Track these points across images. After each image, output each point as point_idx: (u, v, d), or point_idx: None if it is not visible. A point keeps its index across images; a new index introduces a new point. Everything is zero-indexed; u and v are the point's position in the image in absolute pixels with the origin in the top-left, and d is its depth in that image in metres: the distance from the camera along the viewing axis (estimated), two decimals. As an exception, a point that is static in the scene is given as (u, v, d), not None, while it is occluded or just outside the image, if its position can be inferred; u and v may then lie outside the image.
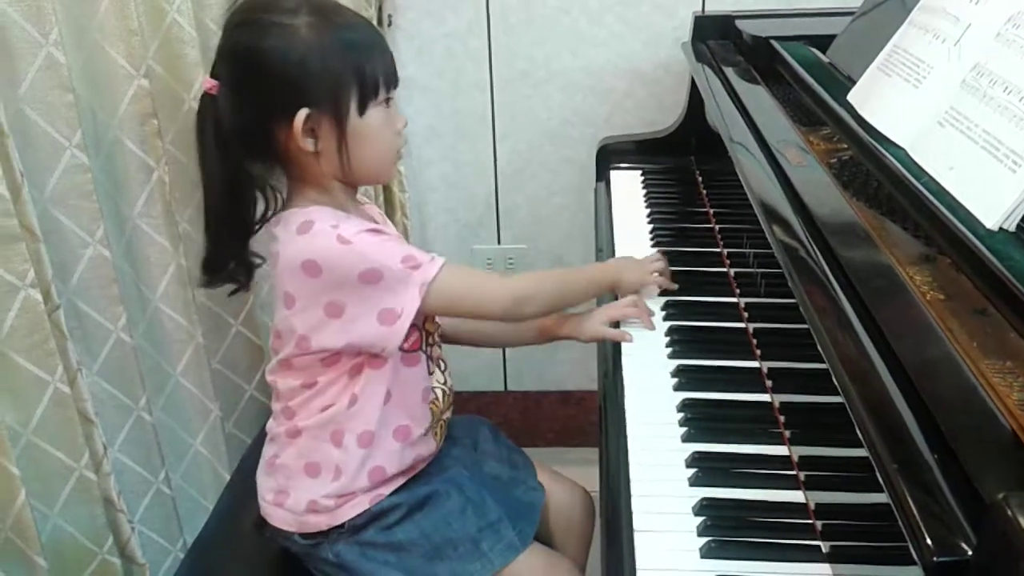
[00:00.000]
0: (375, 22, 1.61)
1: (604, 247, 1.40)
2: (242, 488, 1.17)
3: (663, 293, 1.22)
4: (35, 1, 1.08)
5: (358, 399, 1.03)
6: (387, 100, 1.01)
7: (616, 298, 1.20)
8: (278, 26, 0.95)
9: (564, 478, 1.29)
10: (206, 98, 1.00)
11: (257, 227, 1.06)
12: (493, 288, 1.08)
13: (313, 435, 1.05)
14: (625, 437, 0.96)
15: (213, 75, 0.99)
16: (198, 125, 1.01)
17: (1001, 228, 0.76)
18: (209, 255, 1.06)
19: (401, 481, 1.09)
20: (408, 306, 0.98)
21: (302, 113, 0.95)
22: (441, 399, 1.12)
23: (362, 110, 0.98)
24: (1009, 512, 0.46)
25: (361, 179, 1.06)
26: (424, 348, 1.09)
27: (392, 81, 1.01)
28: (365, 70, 0.97)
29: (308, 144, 0.97)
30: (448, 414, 1.15)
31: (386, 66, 1.00)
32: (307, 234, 0.98)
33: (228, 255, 1.05)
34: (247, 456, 1.29)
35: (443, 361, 1.15)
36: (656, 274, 1.20)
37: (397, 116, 1.04)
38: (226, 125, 0.98)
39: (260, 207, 1.05)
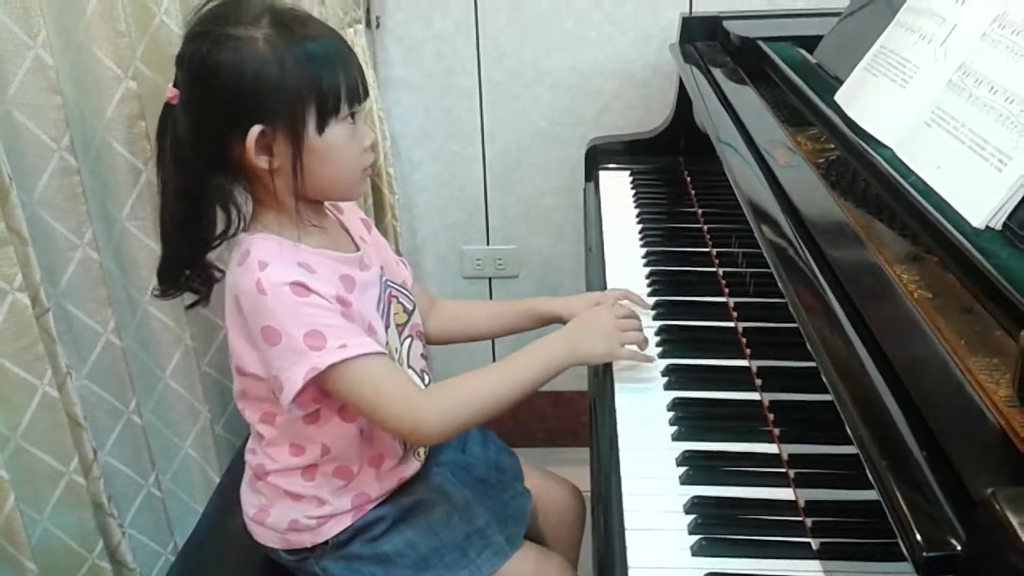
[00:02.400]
0: (363, 24, 1.61)
1: (593, 247, 1.40)
2: (232, 491, 1.16)
3: (653, 293, 1.22)
4: (23, 3, 1.07)
5: (331, 449, 1.02)
6: (352, 115, 0.96)
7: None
8: (234, 39, 0.91)
9: (555, 476, 1.29)
10: (167, 108, 0.97)
11: (217, 242, 1.03)
12: (395, 405, 0.95)
13: (284, 473, 1.04)
14: (616, 436, 0.96)
15: (175, 84, 0.96)
16: (158, 133, 0.99)
17: (987, 226, 0.77)
18: (164, 264, 1.03)
19: (385, 497, 1.09)
20: (290, 384, 0.92)
21: (255, 130, 0.91)
22: None
23: (321, 127, 0.94)
24: (997, 507, 0.47)
25: (323, 196, 1.02)
26: (405, 364, 1.08)
27: (355, 96, 0.96)
28: (325, 86, 0.92)
29: (262, 161, 0.93)
30: None
31: (350, 81, 0.94)
32: (241, 267, 0.95)
33: (184, 265, 1.03)
34: (237, 458, 1.29)
35: (427, 374, 1.14)
36: (628, 329, 1.07)
37: (365, 132, 0.99)
38: (182, 136, 0.95)
39: (224, 221, 1.02)
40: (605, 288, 1.24)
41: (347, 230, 1.09)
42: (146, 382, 1.40)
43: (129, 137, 1.26)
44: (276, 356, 0.93)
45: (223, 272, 1.05)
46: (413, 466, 1.11)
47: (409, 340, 1.11)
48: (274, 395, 0.97)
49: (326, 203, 1.06)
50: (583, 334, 1.06)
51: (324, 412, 1.00)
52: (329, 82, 0.93)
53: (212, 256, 1.06)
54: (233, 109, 0.92)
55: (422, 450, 1.13)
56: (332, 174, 0.98)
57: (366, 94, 0.99)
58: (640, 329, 1.08)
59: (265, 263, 0.93)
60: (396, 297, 1.09)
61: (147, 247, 1.32)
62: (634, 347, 1.06)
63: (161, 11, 1.25)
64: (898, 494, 0.55)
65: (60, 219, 1.19)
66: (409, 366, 1.10)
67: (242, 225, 1.03)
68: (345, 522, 1.06)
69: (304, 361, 0.91)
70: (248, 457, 1.09)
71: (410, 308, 1.12)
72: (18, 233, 1.08)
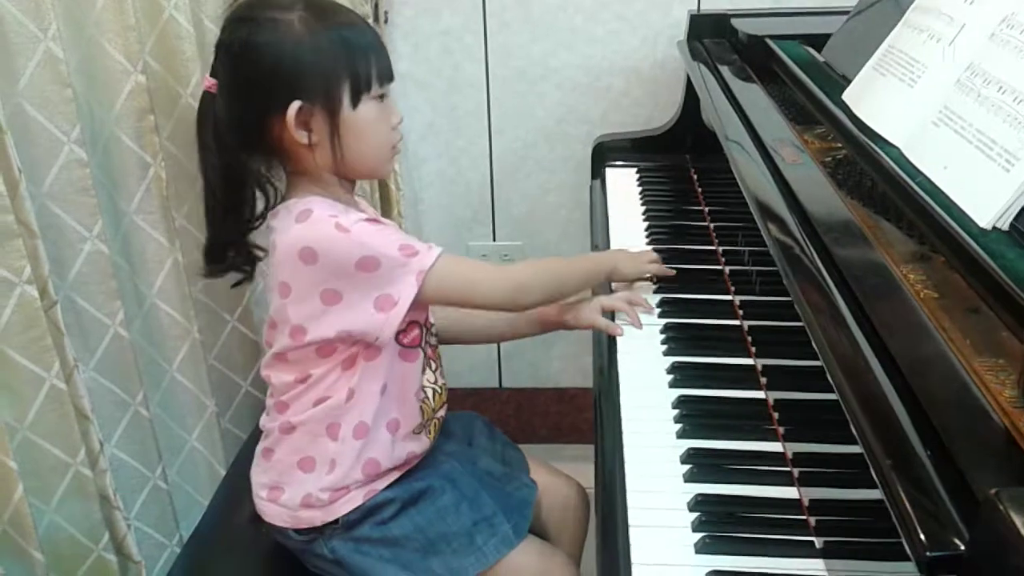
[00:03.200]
0: (371, 19, 1.61)
1: (600, 244, 1.40)
2: (238, 483, 1.17)
3: (659, 290, 1.23)
4: (33, -4, 1.08)
5: (355, 393, 1.04)
6: (381, 95, 1.02)
7: (612, 289, 1.20)
8: (272, 21, 0.97)
9: (559, 472, 1.30)
10: (207, 96, 1.01)
11: (258, 222, 1.07)
12: (491, 277, 1.08)
13: (308, 429, 1.06)
14: (620, 433, 0.96)
15: (213, 74, 1.01)
16: (199, 122, 1.02)
17: (994, 227, 0.77)
18: (210, 244, 1.07)
19: (395, 476, 1.10)
20: (405, 293, 0.99)
21: (294, 105, 0.96)
22: (432, 398, 1.12)
23: (355, 103, 0.99)
24: (1001, 507, 0.47)
25: (356, 173, 1.08)
26: (423, 345, 1.09)
27: (386, 76, 1.02)
28: (358, 64, 0.99)
29: (302, 136, 0.98)
30: (442, 412, 1.15)
31: (380, 61, 1.01)
32: (305, 222, 0.98)
33: (230, 244, 1.07)
34: (243, 451, 1.30)
35: (435, 361, 1.15)
36: (652, 265, 1.22)
37: (393, 111, 1.05)
38: (223, 121, 0.99)
39: (260, 203, 1.06)
40: (610, 285, 1.24)
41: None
42: (153, 375, 1.41)
43: (138, 131, 1.27)
44: (379, 280, 0.98)
45: (264, 251, 1.09)
46: (423, 442, 1.12)
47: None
48: (317, 354, 1.02)
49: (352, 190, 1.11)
50: (620, 255, 1.23)
51: (360, 360, 1.03)
52: (361, 60, 0.99)
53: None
54: (273, 87, 0.97)
55: (433, 429, 1.14)
56: (364, 149, 1.02)
57: (392, 75, 1.04)
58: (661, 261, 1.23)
59: (333, 213, 0.99)
60: None
61: (155, 240, 1.33)
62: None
63: (171, 5, 1.25)
64: (902, 493, 0.55)
65: (70, 211, 1.20)
66: (427, 357, 1.11)
67: (278, 200, 1.06)
68: (356, 500, 1.07)
69: (409, 268, 0.99)
70: (268, 426, 1.10)
71: None
72: (27, 226, 1.09)
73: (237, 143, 1.00)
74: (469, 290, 1.06)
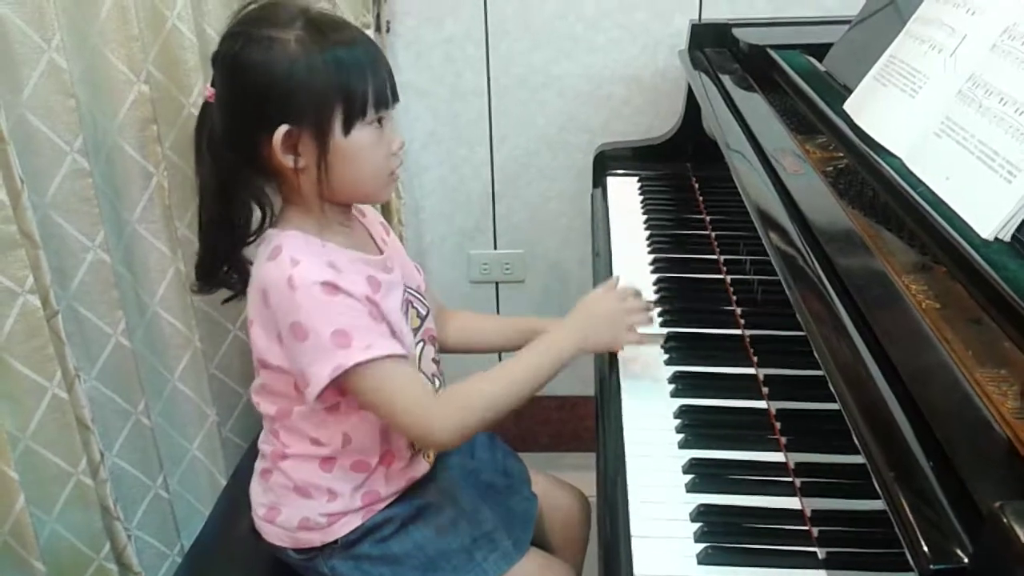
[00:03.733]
0: (373, 28, 1.61)
1: (601, 252, 1.40)
2: (238, 493, 1.17)
3: (660, 300, 1.22)
4: (37, 6, 1.08)
5: (352, 439, 1.03)
6: (379, 120, 0.98)
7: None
8: (267, 39, 0.94)
9: (561, 482, 1.30)
10: (206, 106, 1.00)
11: (252, 237, 1.05)
12: (410, 411, 0.97)
13: (302, 460, 1.05)
14: (622, 443, 0.96)
15: (213, 83, 1.00)
16: (197, 132, 1.01)
17: (996, 238, 0.77)
18: (202, 259, 1.05)
19: (394, 497, 1.09)
20: (315, 381, 0.94)
21: (281, 129, 0.94)
22: None
23: (347, 130, 0.95)
24: (1005, 521, 0.47)
25: (347, 199, 1.03)
26: (420, 366, 1.08)
27: (385, 101, 0.98)
28: (353, 89, 0.94)
29: (288, 160, 0.95)
30: None
31: (378, 85, 0.96)
32: (272, 261, 0.96)
33: (221, 260, 1.05)
34: (243, 461, 1.30)
35: (439, 379, 1.14)
36: (632, 334, 1.07)
37: (393, 137, 1.00)
38: (218, 133, 0.98)
39: (258, 216, 1.04)
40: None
41: (370, 233, 1.11)
42: (155, 384, 1.41)
43: (141, 140, 1.27)
44: (302, 352, 0.94)
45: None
46: (422, 467, 1.11)
47: (422, 344, 1.11)
48: (296, 390, 0.99)
49: (353, 205, 1.08)
50: (588, 324, 1.06)
51: (345, 405, 1.02)
52: (356, 85, 0.95)
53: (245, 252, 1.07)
54: (262, 107, 0.94)
55: (431, 452, 1.13)
56: (357, 176, 0.99)
57: (395, 98, 1.00)
58: (646, 308, 1.09)
59: (297, 260, 0.95)
60: (411, 301, 1.10)
61: (157, 250, 1.33)
62: (641, 329, 1.07)
63: (174, 15, 1.26)
64: (905, 505, 0.55)
65: (72, 221, 1.20)
66: (421, 370, 1.10)
67: (272, 219, 1.05)
68: (355, 522, 1.06)
69: (330, 359, 0.93)
70: (263, 448, 1.10)
71: (424, 313, 1.12)
72: (29, 236, 1.09)
73: (229, 156, 0.98)
74: (386, 414, 0.99)
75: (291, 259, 0.95)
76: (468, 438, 1.05)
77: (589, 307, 1.09)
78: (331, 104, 0.94)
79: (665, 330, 1.08)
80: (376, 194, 1.05)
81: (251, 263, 1.06)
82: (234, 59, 0.95)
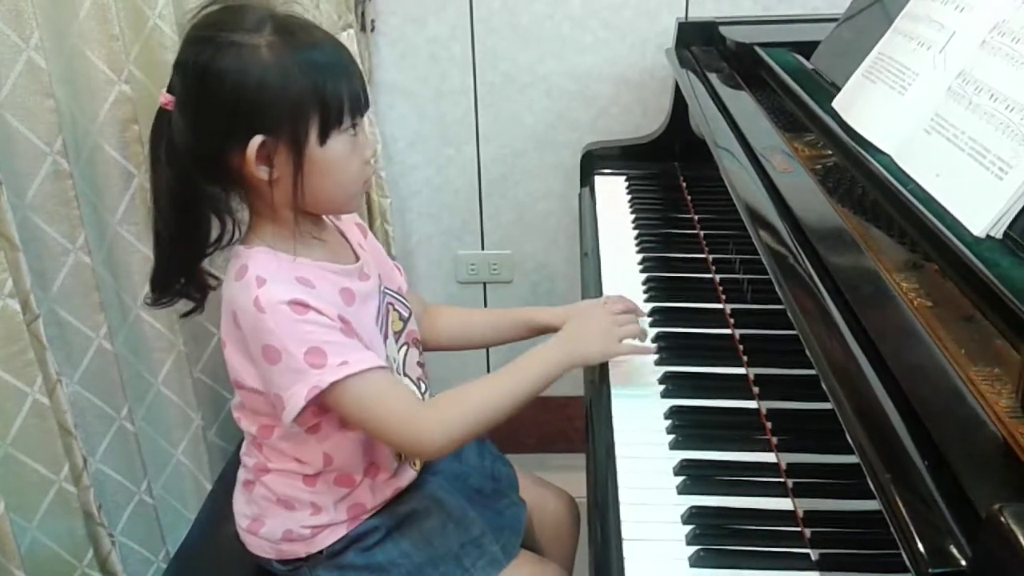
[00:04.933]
0: (358, 28, 1.60)
1: (589, 252, 1.40)
2: (224, 498, 1.15)
3: (649, 299, 1.22)
4: (15, 5, 1.06)
5: (333, 459, 1.02)
6: (353, 127, 0.94)
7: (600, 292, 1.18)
8: (236, 45, 0.89)
9: (549, 485, 1.29)
10: (162, 112, 0.95)
11: (211, 250, 1.02)
12: (399, 420, 0.95)
13: (284, 474, 1.04)
14: (612, 445, 0.95)
15: (170, 90, 0.95)
16: (152, 139, 0.97)
17: (988, 235, 0.76)
18: (157, 271, 1.02)
19: (381, 507, 1.08)
20: (292, 403, 0.91)
21: (256, 140, 0.90)
22: None
23: (323, 139, 0.92)
24: (1005, 523, 0.46)
25: (319, 210, 1.00)
26: (403, 370, 1.07)
27: (359, 107, 0.94)
28: (328, 97, 0.91)
29: (262, 172, 0.92)
30: None
31: (352, 92, 0.93)
32: (239, 282, 0.93)
33: (178, 273, 1.02)
34: (229, 466, 1.28)
35: (424, 382, 1.13)
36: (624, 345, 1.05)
37: (366, 144, 0.98)
38: (180, 143, 0.93)
39: (218, 228, 1.01)
40: (600, 294, 1.23)
41: (346, 238, 1.08)
42: (138, 388, 1.39)
43: (122, 141, 1.25)
44: (277, 375, 0.92)
45: (218, 279, 1.04)
46: (408, 475, 1.10)
47: (405, 348, 1.10)
48: (274, 409, 0.96)
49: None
50: (579, 336, 1.04)
51: (325, 425, 1.00)
52: (332, 93, 0.91)
53: (205, 263, 1.04)
54: (234, 118, 0.90)
55: (418, 460, 1.12)
56: (331, 187, 0.96)
57: (367, 104, 0.97)
58: (638, 318, 1.08)
59: (263, 279, 0.92)
60: (392, 304, 1.08)
61: (140, 252, 1.31)
62: (633, 340, 1.05)
63: (155, 14, 1.24)
64: (901, 506, 0.55)
65: (53, 223, 1.18)
66: (405, 374, 1.09)
67: (237, 234, 1.01)
68: (340, 532, 1.05)
69: (305, 380, 0.90)
70: (245, 460, 1.08)
71: (406, 315, 1.11)
72: (8, 238, 1.07)
73: (192, 167, 0.93)
74: (373, 428, 0.96)
75: (257, 279, 0.92)
76: (457, 448, 1.02)
77: (581, 319, 1.08)
78: (307, 113, 0.90)
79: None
80: (348, 204, 1.03)
81: (212, 275, 1.04)
82: (204, 67, 0.90)
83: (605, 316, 1.07)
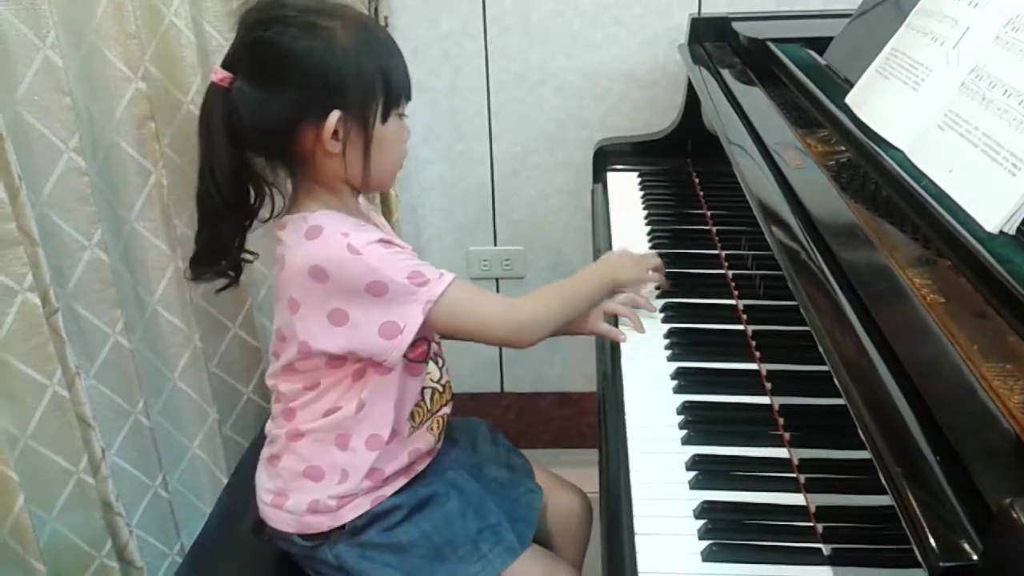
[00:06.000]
0: (372, 24, 1.61)
1: (602, 248, 1.40)
2: (240, 492, 1.17)
3: (661, 296, 1.22)
4: (32, 4, 1.08)
5: (365, 404, 1.03)
6: (402, 113, 1.02)
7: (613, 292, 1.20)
8: (316, 27, 0.95)
9: (562, 480, 1.29)
10: (216, 89, 0.97)
11: (249, 223, 1.05)
12: (499, 312, 1.07)
13: (317, 438, 1.05)
14: (625, 440, 0.96)
15: (227, 67, 0.97)
16: (203, 115, 0.99)
17: (1001, 231, 0.76)
18: (202, 247, 1.04)
19: (403, 482, 1.09)
20: (411, 322, 0.98)
21: (335, 115, 0.95)
22: (429, 400, 1.11)
23: (385, 118, 0.99)
24: (1016, 517, 0.46)
25: (368, 186, 1.06)
26: (430, 357, 1.09)
27: (409, 93, 1.03)
28: (392, 80, 0.99)
29: (335, 147, 0.97)
30: (446, 410, 1.15)
31: (407, 77, 1.02)
32: (316, 239, 0.97)
33: (227, 247, 1.04)
34: (245, 459, 1.29)
35: (441, 358, 1.15)
36: (651, 271, 1.21)
37: (406, 128, 1.05)
38: (245, 120, 0.96)
39: (268, 205, 1.05)
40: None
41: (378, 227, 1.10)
42: (154, 383, 1.41)
43: (138, 138, 1.26)
44: (386, 304, 0.97)
45: (254, 255, 1.08)
46: (427, 439, 1.11)
47: None
48: (331, 362, 1.01)
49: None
50: (618, 262, 1.21)
51: (370, 370, 1.02)
52: (396, 76, 1.00)
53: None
54: (315, 94, 0.95)
55: (436, 426, 1.13)
56: (385, 163, 1.03)
57: (412, 93, 1.04)
58: (662, 263, 1.22)
59: (345, 232, 0.97)
60: None
61: (156, 248, 1.33)
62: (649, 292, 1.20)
63: (171, 12, 1.25)
64: (913, 501, 0.55)
65: (69, 220, 1.19)
66: (431, 356, 1.11)
67: (274, 203, 1.05)
68: (363, 507, 1.06)
69: (417, 298, 0.98)
70: (273, 433, 1.09)
71: None
72: (28, 233, 1.09)
73: (259, 140, 0.98)
74: (476, 324, 1.05)
75: (340, 232, 0.97)
76: (549, 334, 1.10)
77: (614, 253, 1.25)
78: (376, 93, 0.98)
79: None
80: (389, 180, 1.12)
81: (249, 253, 1.07)
82: (282, 47, 0.94)
83: (633, 253, 1.23)
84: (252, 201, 1.03)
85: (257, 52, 0.97)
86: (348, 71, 0.95)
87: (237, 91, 0.96)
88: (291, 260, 0.99)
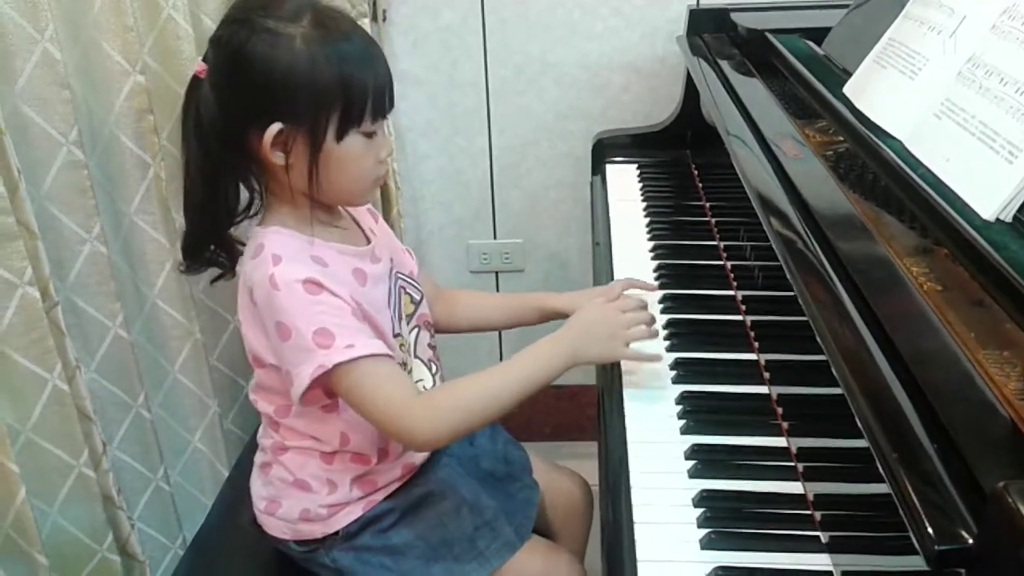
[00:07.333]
0: (370, 17, 1.61)
1: (601, 241, 1.40)
2: (240, 485, 1.17)
3: (661, 286, 1.22)
4: (30, -3, 1.08)
5: (350, 438, 1.03)
6: (372, 127, 0.96)
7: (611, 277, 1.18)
8: (272, 32, 0.91)
9: (562, 468, 1.29)
10: (196, 81, 0.97)
11: (240, 218, 1.04)
12: (394, 409, 0.94)
13: (301, 451, 1.05)
14: (624, 430, 0.96)
15: (205, 59, 0.97)
16: (184, 107, 0.99)
17: (998, 219, 0.76)
18: (187, 239, 1.04)
19: (396, 486, 1.09)
20: (298, 381, 0.92)
21: (273, 127, 0.92)
22: None
23: (341, 136, 0.93)
24: (1009, 500, 0.47)
25: (331, 201, 1.02)
26: (416, 352, 1.08)
27: (382, 110, 0.96)
28: (353, 96, 0.92)
29: (278, 158, 0.94)
30: None
31: (378, 95, 0.94)
32: (255, 260, 0.96)
33: (207, 240, 1.04)
34: (245, 453, 1.29)
35: (435, 363, 1.14)
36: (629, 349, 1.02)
37: (382, 144, 0.99)
38: (204, 116, 0.95)
39: (245, 197, 1.03)
40: (612, 272, 1.24)
41: (357, 223, 1.10)
42: (155, 376, 1.41)
43: (137, 131, 1.26)
44: (286, 351, 0.94)
45: (244, 246, 1.06)
46: (420, 455, 1.11)
47: (416, 330, 1.11)
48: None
49: None
50: (586, 335, 1.01)
51: (341, 404, 1.01)
52: (357, 94, 0.92)
53: (235, 231, 1.06)
54: (258, 102, 0.92)
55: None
56: (343, 183, 0.97)
57: (391, 106, 0.98)
58: (650, 321, 1.04)
59: (279, 257, 0.93)
60: (404, 287, 1.09)
61: (155, 241, 1.33)
62: (639, 345, 1.03)
63: (169, 5, 1.25)
64: (909, 487, 0.55)
65: (69, 213, 1.19)
66: (417, 356, 1.10)
67: (261, 203, 1.03)
68: (355, 513, 1.06)
69: (312, 359, 0.91)
70: (262, 442, 1.09)
71: (417, 298, 1.12)
72: (27, 227, 1.09)
73: (215, 140, 0.95)
74: (369, 413, 0.95)
75: (273, 257, 0.93)
76: (450, 440, 1.01)
77: (589, 316, 1.03)
78: (329, 109, 0.92)
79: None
80: (358, 198, 1.05)
81: (241, 244, 1.06)
82: (237, 48, 0.92)
83: (614, 316, 1.02)
84: (231, 196, 1.01)
85: (217, 50, 0.95)
86: (296, 83, 0.90)
87: (204, 84, 0.95)
88: (239, 273, 0.99)
